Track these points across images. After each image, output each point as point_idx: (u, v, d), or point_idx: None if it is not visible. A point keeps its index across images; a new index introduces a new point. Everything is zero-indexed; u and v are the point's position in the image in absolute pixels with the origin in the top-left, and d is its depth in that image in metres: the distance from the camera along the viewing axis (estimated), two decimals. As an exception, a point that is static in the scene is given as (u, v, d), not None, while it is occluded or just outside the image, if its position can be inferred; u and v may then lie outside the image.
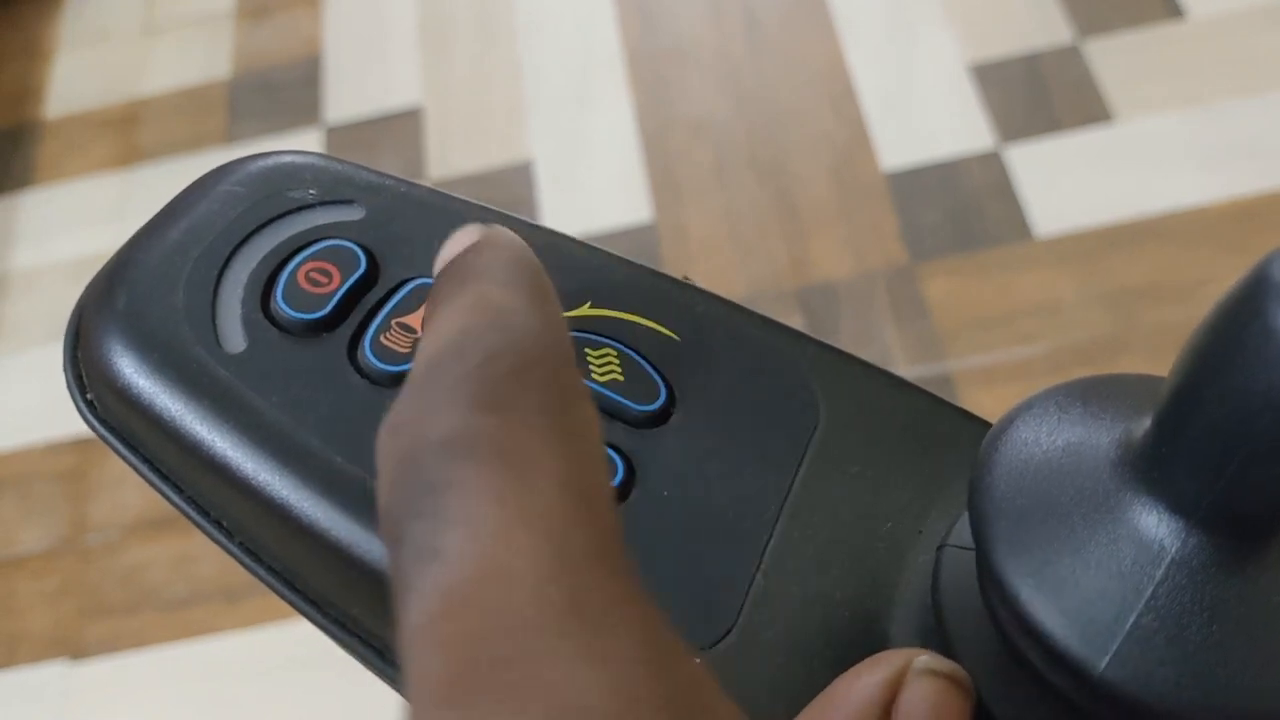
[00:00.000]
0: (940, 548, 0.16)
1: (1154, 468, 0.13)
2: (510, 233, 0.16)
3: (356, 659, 0.20)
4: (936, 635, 0.16)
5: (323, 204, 0.20)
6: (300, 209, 0.20)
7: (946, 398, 0.19)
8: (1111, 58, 1.02)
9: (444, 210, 0.20)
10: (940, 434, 0.19)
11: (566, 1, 1.20)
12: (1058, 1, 1.07)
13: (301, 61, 1.21)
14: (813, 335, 0.19)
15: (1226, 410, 0.12)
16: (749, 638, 0.17)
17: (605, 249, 0.20)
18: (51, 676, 0.93)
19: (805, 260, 0.98)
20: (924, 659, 0.14)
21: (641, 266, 0.20)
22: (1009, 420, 0.15)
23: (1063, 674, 0.14)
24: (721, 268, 1.00)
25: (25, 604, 0.96)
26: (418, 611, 0.13)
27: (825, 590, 0.17)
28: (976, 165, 1.00)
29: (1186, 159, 0.96)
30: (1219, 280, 0.90)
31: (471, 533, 0.13)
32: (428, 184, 0.21)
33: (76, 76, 1.26)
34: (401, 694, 0.19)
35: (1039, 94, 1.03)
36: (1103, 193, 0.97)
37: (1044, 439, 0.14)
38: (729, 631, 0.17)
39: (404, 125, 1.14)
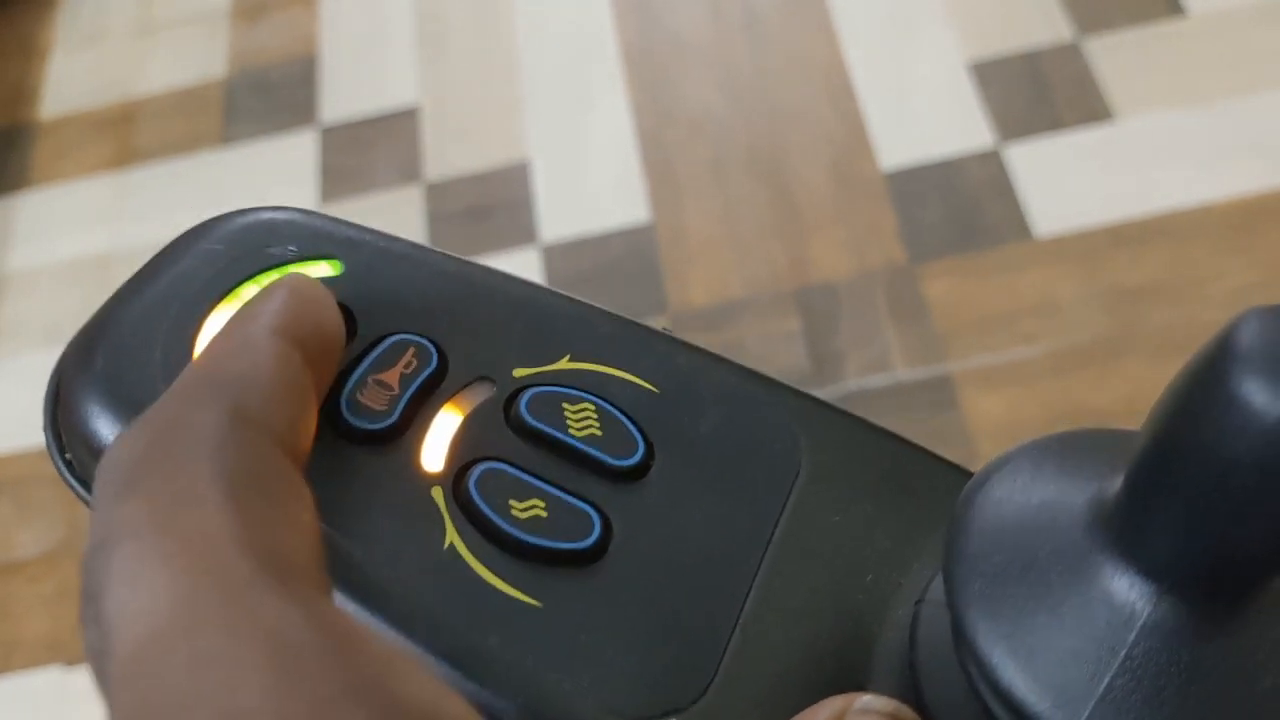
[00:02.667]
0: (918, 603, 0.16)
1: (1126, 529, 0.13)
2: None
3: None
4: (913, 693, 0.16)
5: (301, 260, 0.20)
6: (279, 265, 0.20)
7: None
8: (1112, 55, 1.02)
9: (425, 264, 0.20)
10: (923, 483, 0.18)
11: (562, 1, 1.20)
12: (1058, -2, 1.07)
13: (298, 61, 1.20)
14: (796, 386, 0.19)
15: (1194, 474, 0.12)
16: (726, 695, 0.16)
17: (585, 300, 0.20)
18: (47, 683, 0.93)
19: (804, 260, 0.98)
20: (865, 699, 0.14)
21: (621, 318, 0.20)
22: (983, 478, 0.15)
23: None
24: (720, 268, 0.99)
25: (22, 609, 0.96)
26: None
27: (804, 644, 0.17)
28: (976, 164, 0.99)
29: (1188, 157, 0.96)
30: (1220, 280, 0.90)
31: (125, 622, 0.13)
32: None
33: (72, 77, 1.26)
34: None
35: (1039, 92, 1.02)
36: (1104, 191, 0.96)
37: (1018, 497, 0.14)
38: (706, 690, 0.16)
39: (401, 125, 1.13)
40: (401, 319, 0.19)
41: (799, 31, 1.11)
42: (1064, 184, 0.97)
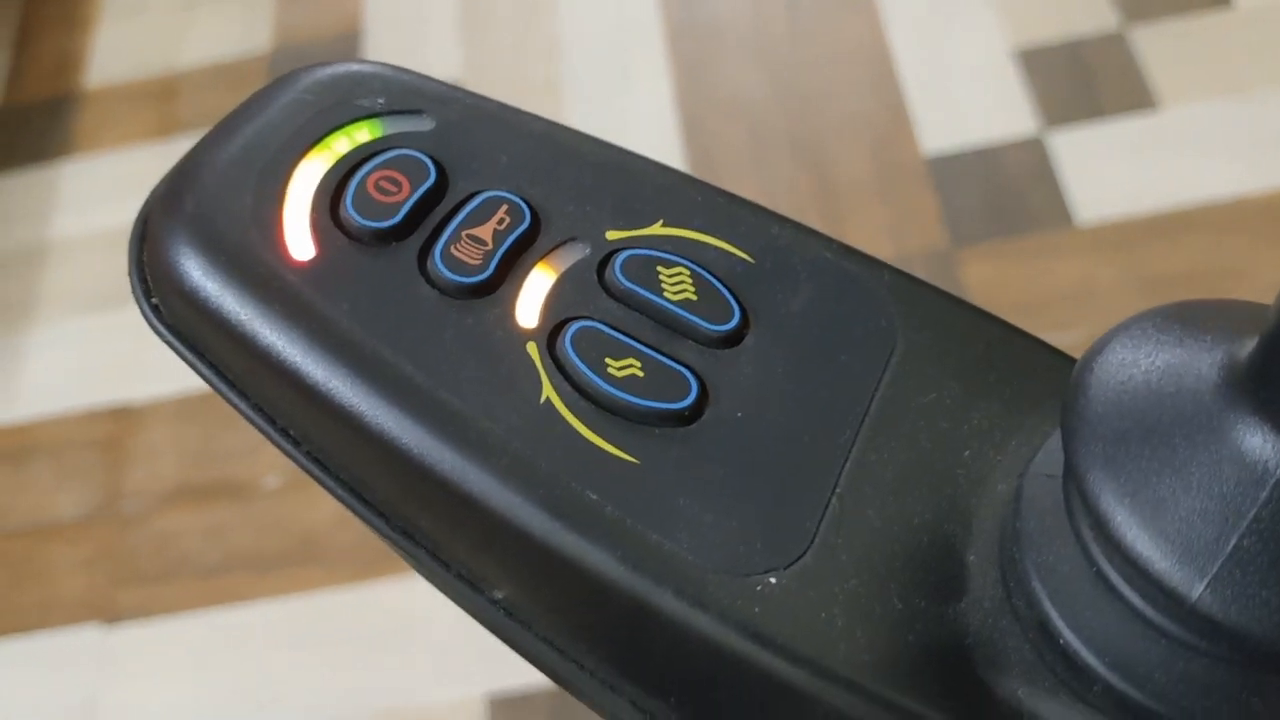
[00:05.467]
0: (1022, 476, 0.16)
1: (1261, 387, 0.13)
2: None
3: (423, 573, 0.20)
4: (1016, 563, 0.16)
5: (391, 113, 0.20)
6: (369, 117, 0.20)
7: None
8: (1157, 45, 1.01)
9: (514, 124, 0.20)
10: (1021, 365, 0.18)
11: (606, -20, 1.20)
12: (1103, -14, 1.06)
13: (341, 36, 1.21)
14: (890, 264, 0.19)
15: None
16: (825, 559, 0.16)
17: (677, 169, 0.20)
18: (85, 641, 0.94)
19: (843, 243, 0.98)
20: None
21: (714, 187, 0.20)
22: (1104, 343, 0.14)
23: (1156, 600, 0.13)
24: (758, 249, 0.99)
25: (59, 570, 0.97)
26: None
27: (902, 515, 0.17)
28: (1018, 150, 0.99)
29: (1231, 148, 0.95)
30: (1259, 272, 0.89)
31: None
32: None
33: (116, 48, 1.27)
34: (472, 611, 0.19)
35: (1083, 80, 1.02)
36: (1145, 181, 0.96)
37: (1142, 360, 0.14)
38: (805, 553, 0.16)
39: (442, 101, 1.14)
40: (493, 176, 0.19)
41: (841, 14, 1.11)
42: (1105, 172, 0.97)
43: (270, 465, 0.98)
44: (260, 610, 0.93)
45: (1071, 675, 0.15)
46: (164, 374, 1.04)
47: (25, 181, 1.19)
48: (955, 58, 1.06)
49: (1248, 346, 0.13)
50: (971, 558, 0.16)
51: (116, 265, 1.13)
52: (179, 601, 0.94)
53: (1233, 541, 0.12)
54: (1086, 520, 0.14)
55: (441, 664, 0.89)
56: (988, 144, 0.99)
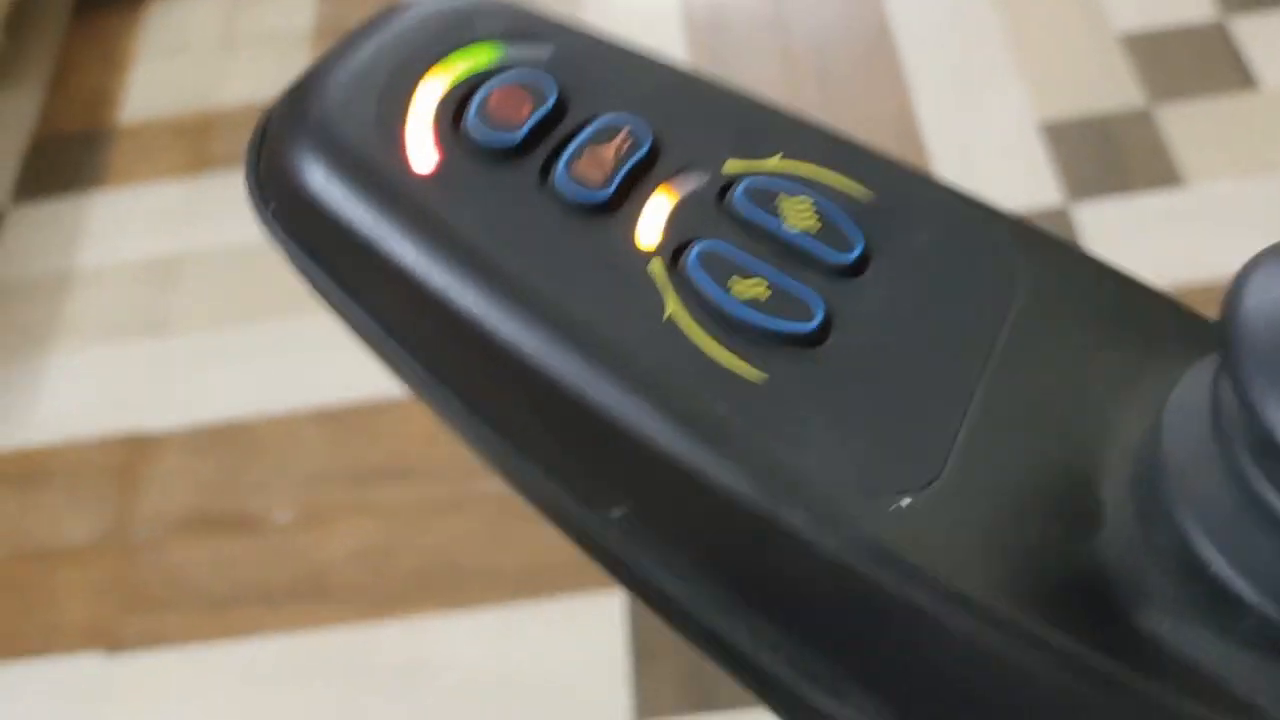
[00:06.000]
0: (1162, 409, 0.16)
1: None
2: None
3: (529, 494, 0.19)
4: (1157, 494, 0.15)
5: (512, 39, 0.20)
6: (491, 39, 0.20)
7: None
8: (1183, 123, 1.03)
9: (632, 56, 0.21)
10: (1146, 313, 0.18)
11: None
12: (1130, 66, 1.08)
13: (376, 83, 1.23)
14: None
15: None
16: (957, 484, 0.16)
17: (791, 107, 0.20)
18: (87, 667, 0.92)
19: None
20: None
21: (831, 130, 0.20)
22: (1258, 260, 0.14)
23: None
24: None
25: (66, 594, 0.96)
26: None
27: (1032, 447, 0.17)
28: (1043, 222, 1.00)
29: (1256, 226, 0.96)
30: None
31: None
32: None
33: (153, 85, 1.29)
34: (582, 533, 0.19)
35: (1109, 155, 1.03)
36: (1169, 255, 0.97)
37: None
38: (938, 477, 0.16)
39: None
40: (613, 101, 0.19)
41: (869, 82, 1.13)
42: (1130, 246, 0.98)
43: (283, 499, 0.97)
44: (266, 644, 0.91)
45: (1220, 607, 0.14)
46: (181, 405, 1.04)
47: (55, 210, 1.20)
48: (982, 128, 1.08)
49: None
50: (1106, 492, 0.16)
51: (139, 296, 1.14)
52: (185, 631, 0.93)
53: None
54: (1245, 435, 0.14)
55: (449, 709, 0.88)
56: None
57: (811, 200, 0.18)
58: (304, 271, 0.20)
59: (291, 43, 1.28)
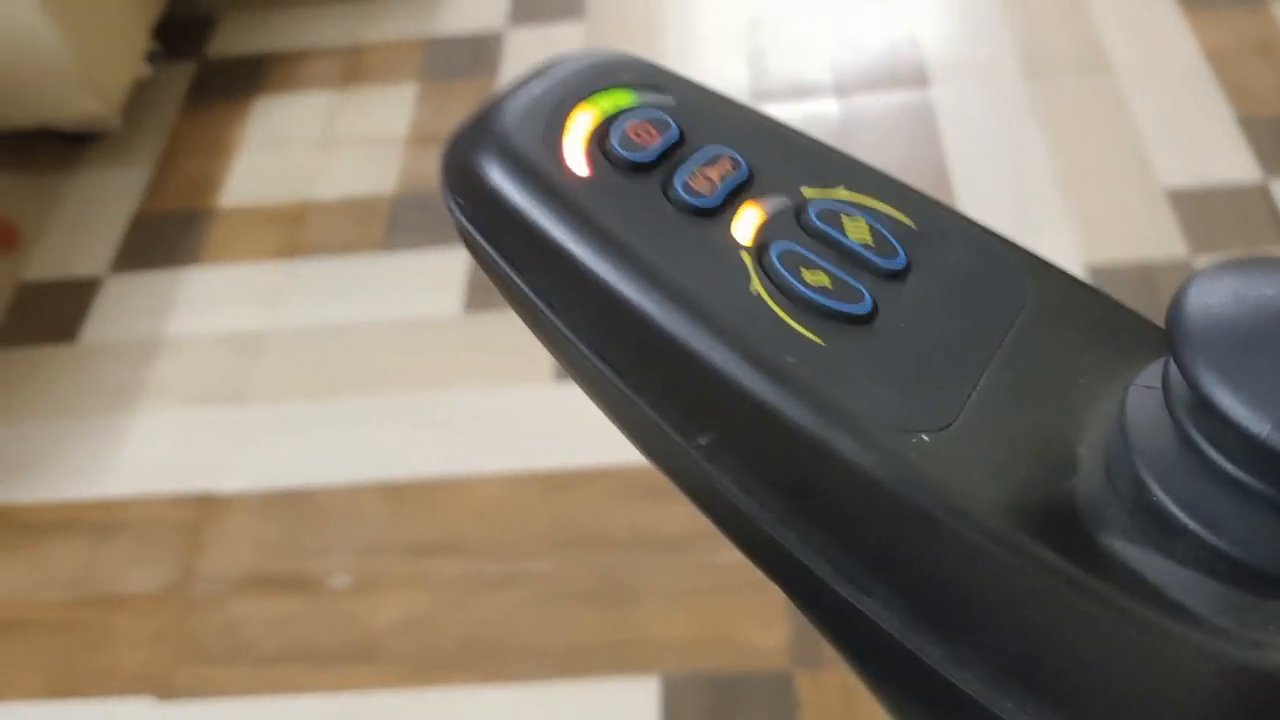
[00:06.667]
0: (1127, 386, 0.21)
1: None
2: None
3: (635, 431, 0.24)
4: (1119, 447, 0.20)
5: (641, 87, 0.26)
6: (627, 86, 0.26)
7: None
8: (1224, 274, 1.08)
9: (735, 105, 0.26)
10: (1126, 326, 0.23)
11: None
12: (1175, 219, 1.14)
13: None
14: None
15: None
16: (967, 430, 0.21)
17: (855, 155, 0.26)
18: (138, 712, 0.96)
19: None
20: None
21: (887, 173, 0.26)
22: (1196, 274, 0.19)
23: (1232, 446, 0.17)
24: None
25: (125, 640, 1.01)
26: None
27: (1027, 411, 0.21)
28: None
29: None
30: None
31: None
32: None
33: (253, 174, 1.38)
34: (672, 458, 0.23)
35: (1150, 302, 1.08)
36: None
37: (1225, 277, 0.18)
38: (952, 424, 0.21)
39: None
40: (720, 138, 0.25)
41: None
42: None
43: (340, 565, 1.02)
44: (314, 704, 0.95)
45: (1161, 531, 0.19)
46: (251, 470, 1.10)
47: (152, 281, 1.28)
48: (1031, 267, 1.13)
49: None
50: (1081, 448, 0.21)
51: (222, 366, 1.20)
52: (235, 685, 0.97)
53: None
54: (1180, 394, 0.19)
55: (481, 777, 0.90)
56: (1057, 346, 1.05)
57: (867, 221, 0.24)
58: (479, 252, 0.26)
59: (386, 146, 1.37)
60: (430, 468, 1.08)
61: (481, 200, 0.25)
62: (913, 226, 0.24)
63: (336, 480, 1.08)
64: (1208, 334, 0.18)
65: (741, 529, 0.23)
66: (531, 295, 0.25)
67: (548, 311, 0.24)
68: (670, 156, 0.25)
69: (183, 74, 1.52)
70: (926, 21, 1.43)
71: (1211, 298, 0.19)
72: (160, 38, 1.48)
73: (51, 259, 1.32)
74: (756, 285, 0.23)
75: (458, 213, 0.25)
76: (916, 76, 1.35)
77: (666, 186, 0.24)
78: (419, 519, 1.04)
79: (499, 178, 0.24)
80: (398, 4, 1.56)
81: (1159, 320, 0.21)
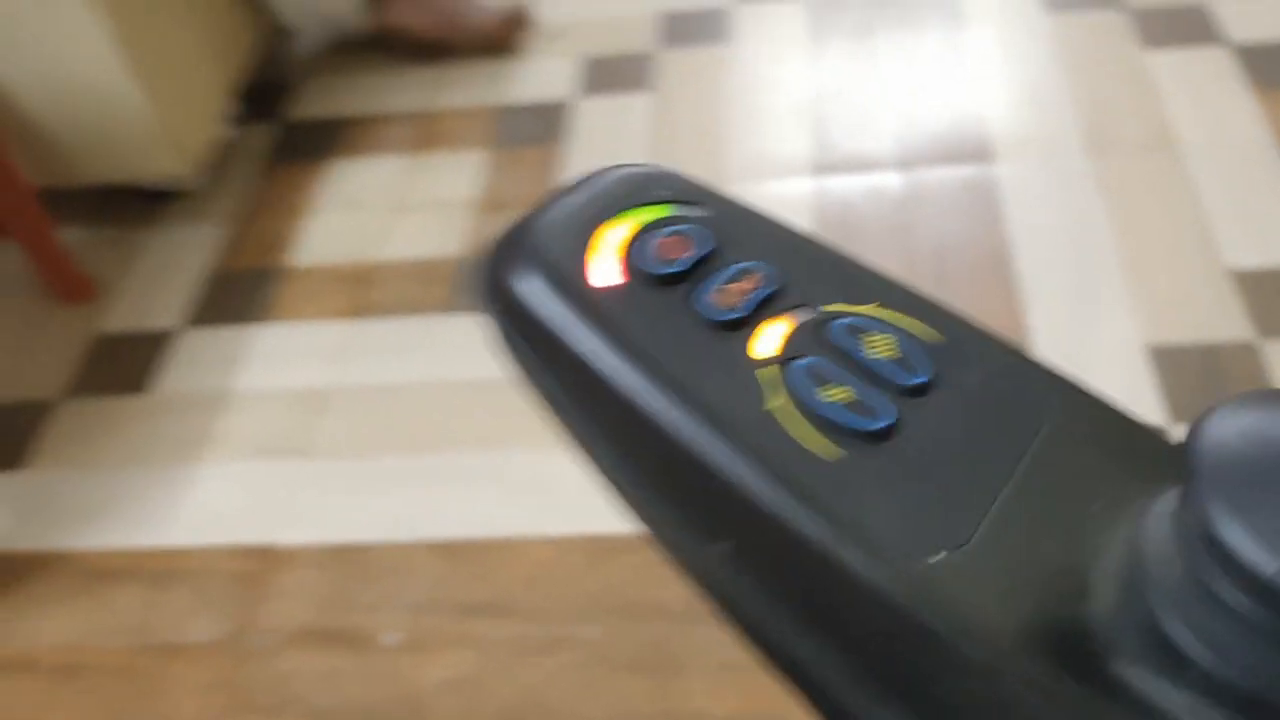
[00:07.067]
0: (1144, 513, 0.21)
1: None
2: None
3: (656, 530, 0.25)
4: (1134, 576, 0.20)
5: (679, 202, 0.27)
6: (664, 201, 0.27)
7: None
8: (1290, 358, 1.06)
9: (772, 221, 0.27)
10: (1147, 447, 0.23)
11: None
12: (1240, 300, 1.12)
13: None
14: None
15: None
16: (981, 552, 0.21)
17: (888, 272, 0.26)
18: (187, 761, 0.97)
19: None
20: None
21: (917, 289, 0.26)
22: (1212, 408, 0.20)
23: (1240, 581, 0.17)
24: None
25: (178, 689, 1.02)
26: None
27: (1043, 533, 0.21)
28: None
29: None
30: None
31: None
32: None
33: (326, 234, 1.42)
34: (691, 562, 0.24)
35: (1213, 384, 1.07)
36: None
37: (1243, 415, 0.19)
38: (966, 543, 0.21)
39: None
40: (753, 252, 0.26)
41: (985, 289, 1.19)
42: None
43: (392, 623, 1.03)
44: (358, 760, 0.96)
45: (1172, 660, 0.19)
46: (311, 524, 1.12)
47: (224, 336, 1.31)
48: (1091, 344, 1.12)
49: None
50: (1095, 572, 0.21)
51: (288, 421, 1.23)
52: (283, 738, 0.98)
53: None
54: (1191, 526, 0.19)
55: (521, 843, 0.90)
56: (1117, 427, 1.04)
57: (895, 338, 0.24)
58: (513, 353, 0.27)
59: (458, 210, 1.40)
60: (483, 528, 1.09)
61: (512, 310, 0.26)
62: (943, 342, 0.25)
63: (392, 537, 1.10)
64: (1221, 468, 0.18)
65: (760, 638, 0.24)
66: (559, 394, 0.25)
67: (573, 411, 0.25)
68: (702, 269, 0.26)
69: (262, 135, 1.57)
70: (992, 96, 1.43)
71: (1230, 431, 0.19)
72: (242, 100, 1.54)
73: (127, 312, 1.36)
74: (775, 400, 0.23)
75: (494, 317, 0.26)
76: (980, 151, 1.35)
77: (693, 299, 0.25)
78: (470, 579, 1.05)
79: (528, 288, 0.26)
80: (472, 72, 1.61)
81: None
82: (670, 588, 1.02)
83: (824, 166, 1.37)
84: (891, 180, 1.34)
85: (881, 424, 0.23)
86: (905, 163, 1.36)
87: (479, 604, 1.04)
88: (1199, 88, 1.37)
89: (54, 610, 1.09)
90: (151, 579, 1.10)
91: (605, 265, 0.26)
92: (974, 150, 1.35)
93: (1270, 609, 0.18)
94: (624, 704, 0.96)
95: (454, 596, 1.04)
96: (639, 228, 0.26)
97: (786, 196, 1.34)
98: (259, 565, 1.10)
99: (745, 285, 0.25)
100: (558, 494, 1.09)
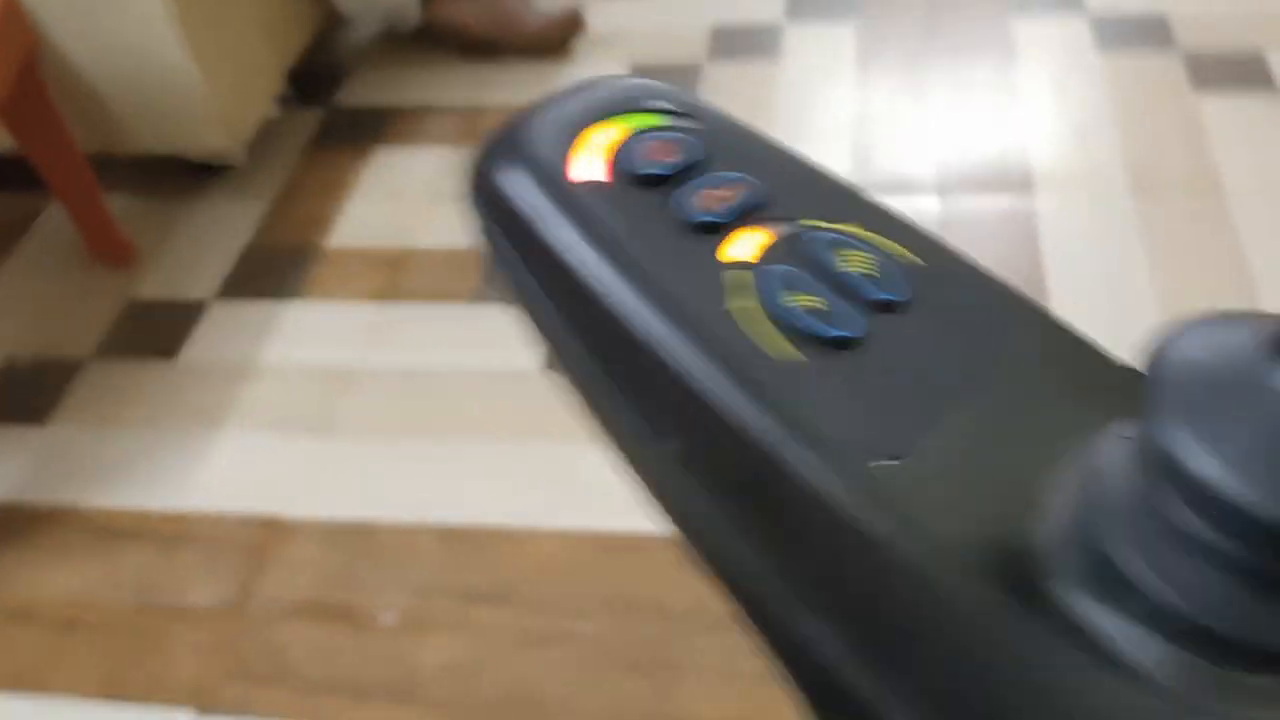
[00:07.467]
0: (1101, 434, 0.20)
1: None
2: None
3: (608, 427, 0.25)
4: (1084, 495, 0.19)
5: (674, 113, 0.27)
6: (653, 111, 0.27)
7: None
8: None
9: (763, 140, 0.27)
10: (1128, 383, 0.23)
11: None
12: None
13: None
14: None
15: None
16: (922, 463, 0.21)
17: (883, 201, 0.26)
18: (176, 723, 0.98)
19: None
20: None
21: (906, 216, 0.26)
22: (1170, 329, 0.19)
23: (1192, 495, 0.17)
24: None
25: (177, 650, 1.03)
26: None
27: (999, 451, 0.21)
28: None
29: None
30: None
31: None
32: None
33: (363, 219, 1.43)
34: (643, 463, 0.24)
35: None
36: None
37: (1199, 340, 0.18)
38: (905, 455, 0.21)
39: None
40: (742, 164, 0.26)
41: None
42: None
43: (392, 602, 1.03)
44: (347, 734, 0.95)
45: (1119, 585, 0.19)
46: (321, 500, 1.12)
47: (255, 310, 1.33)
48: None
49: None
50: (1050, 492, 0.20)
51: (309, 397, 1.23)
52: (275, 707, 0.98)
53: (1264, 446, 0.16)
54: (1151, 449, 0.18)
55: (502, 830, 0.89)
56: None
57: (874, 257, 0.24)
58: (492, 247, 0.26)
59: (491, 202, 1.41)
60: (492, 517, 1.09)
61: (495, 200, 0.26)
62: (923, 266, 0.24)
63: (400, 518, 1.10)
64: (1182, 390, 0.18)
65: (702, 541, 0.23)
66: (531, 283, 0.25)
67: (544, 299, 0.25)
68: (689, 175, 0.25)
69: (310, 119, 1.58)
70: (1037, 128, 1.42)
71: (1191, 352, 0.18)
72: (293, 83, 1.56)
73: (163, 280, 1.38)
74: (733, 303, 0.23)
75: (476, 206, 0.26)
76: (1022, 182, 1.34)
77: (674, 201, 0.25)
78: (474, 566, 1.05)
79: (509, 180, 0.26)
80: (520, 72, 1.62)
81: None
82: (674, 590, 1.01)
83: (861, 186, 1.36)
84: (929, 204, 1.33)
85: (845, 333, 0.23)
86: (944, 188, 1.35)
87: (481, 591, 1.03)
88: (1248, 133, 1.35)
89: (61, 564, 1.10)
90: (160, 541, 1.11)
91: (591, 163, 0.26)
92: (1015, 181, 1.35)
93: (1234, 535, 0.17)
94: (618, 702, 0.95)
95: (457, 582, 1.04)
96: (630, 131, 0.26)
97: (823, 214, 1.34)
98: (267, 536, 1.10)
99: (727, 193, 0.25)
100: (571, 489, 1.09)
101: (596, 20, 1.67)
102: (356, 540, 1.09)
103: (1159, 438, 0.17)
